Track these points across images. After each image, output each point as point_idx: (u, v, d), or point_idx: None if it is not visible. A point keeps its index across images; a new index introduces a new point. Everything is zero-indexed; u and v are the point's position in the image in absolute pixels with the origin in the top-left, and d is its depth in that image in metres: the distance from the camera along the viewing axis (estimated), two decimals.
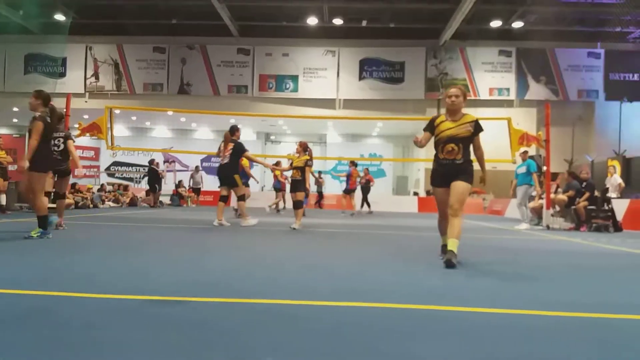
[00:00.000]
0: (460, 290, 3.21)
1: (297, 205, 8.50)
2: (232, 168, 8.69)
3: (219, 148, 8.93)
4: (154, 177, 17.47)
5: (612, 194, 12.29)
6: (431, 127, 4.74)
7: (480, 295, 3.03)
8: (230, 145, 8.65)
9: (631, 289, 3.60)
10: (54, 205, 7.35)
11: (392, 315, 2.50)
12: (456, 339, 2.09)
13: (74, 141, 7.44)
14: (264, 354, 1.81)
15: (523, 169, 10.82)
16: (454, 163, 4.51)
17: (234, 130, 8.90)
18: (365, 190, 16.32)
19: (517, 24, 21.79)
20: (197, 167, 20.99)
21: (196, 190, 20.39)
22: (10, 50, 24.44)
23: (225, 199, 8.79)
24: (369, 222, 11.84)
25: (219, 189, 8.91)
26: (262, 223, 9.17)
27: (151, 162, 17.79)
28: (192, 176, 20.33)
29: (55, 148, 7.08)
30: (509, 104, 23.06)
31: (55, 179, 7.30)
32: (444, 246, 4.61)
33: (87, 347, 1.83)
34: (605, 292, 3.41)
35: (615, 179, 12.85)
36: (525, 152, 10.89)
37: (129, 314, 2.37)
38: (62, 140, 7.25)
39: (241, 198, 8.89)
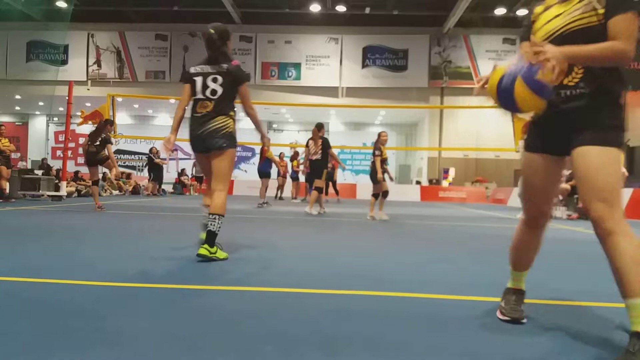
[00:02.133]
0: (463, 279, 3.21)
1: (385, 194, 8.74)
2: (325, 162, 9.66)
3: (308, 144, 9.76)
4: (152, 165, 17.48)
5: None
6: (528, 30, 2.25)
7: (483, 284, 3.03)
8: (320, 141, 9.53)
9: None
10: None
11: (394, 304, 2.51)
12: (457, 327, 2.10)
13: (112, 144, 8.82)
14: (263, 342, 1.82)
15: None
16: (574, 95, 1.97)
17: (320, 127, 9.65)
18: (331, 175, 16.27)
19: (522, 12, 21.59)
20: None
21: (199, 179, 20.38)
22: (12, 37, 24.37)
23: (321, 190, 9.73)
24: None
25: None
26: (274, 212, 9.19)
27: (150, 150, 17.80)
28: (194, 165, 20.31)
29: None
30: None
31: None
32: (517, 293, 2.31)
33: (88, 335, 1.84)
34: (607, 282, 3.40)
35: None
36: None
37: (129, 301, 2.38)
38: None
39: (318, 190, 9.65)
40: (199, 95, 3.73)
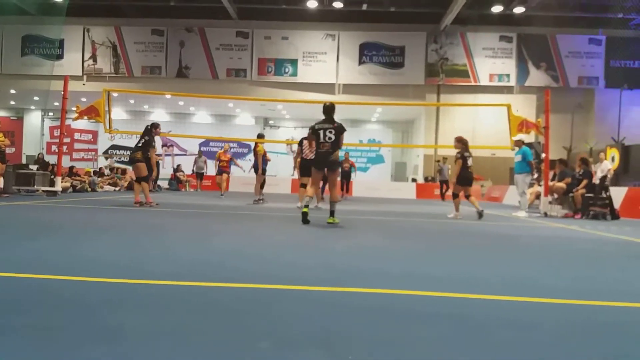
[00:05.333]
0: (457, 276, 3.21)
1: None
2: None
3: (302, 144, 10.04)
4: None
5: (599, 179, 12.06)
6: None
7: (477, 282, 3.04)
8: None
9: (630, 277, 3.61)
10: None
11: (389, 301, 2.51)
12: (451, 324, 2.10)
13: (155, 150, 9.57)
14: (259, 338, 1.82)
15: (519, 157, 10.66)
16: None
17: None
18: (347, 175, 16.26)
19: (519, 9, 21.63)
20: (200, 152, 20.87)
21: (199, 175, 20.27)
22: (7, 31, 24.21)
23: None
24: (374, 208, 11.85)
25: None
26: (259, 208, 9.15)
27: None
28: (195, 161, 20.22)
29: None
30: (508, 90, 22.98)
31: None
32: None
33: (88, 331, 1.84)
34: (603, 280, 3.42)
35: (605, 165, 12.59)
36: (519, 140, 10.73)
37: (128, 297, 2.38)
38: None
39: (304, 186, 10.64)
40: (322, 140, 6.53)
